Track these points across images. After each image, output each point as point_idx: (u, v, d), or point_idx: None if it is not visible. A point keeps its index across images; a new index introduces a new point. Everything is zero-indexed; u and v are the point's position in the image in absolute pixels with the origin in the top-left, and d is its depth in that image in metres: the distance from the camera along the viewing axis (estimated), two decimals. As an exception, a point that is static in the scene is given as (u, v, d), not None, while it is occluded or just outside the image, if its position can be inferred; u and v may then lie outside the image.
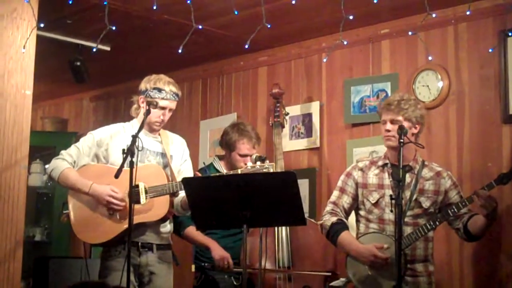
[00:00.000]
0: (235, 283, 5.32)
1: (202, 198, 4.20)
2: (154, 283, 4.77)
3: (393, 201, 4.20)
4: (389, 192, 4.49)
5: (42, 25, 5.25)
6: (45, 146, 8.25)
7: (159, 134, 4.90)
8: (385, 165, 4.63)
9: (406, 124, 4.48)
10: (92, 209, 4.71)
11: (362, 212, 4.67)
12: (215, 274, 5.34)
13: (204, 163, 4.92)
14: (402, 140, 4.27)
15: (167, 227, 4.89)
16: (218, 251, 5.23)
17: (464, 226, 4.51)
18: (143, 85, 4.82)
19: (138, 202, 4.59)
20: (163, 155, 4.87)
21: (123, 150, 4.41)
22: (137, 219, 4.47)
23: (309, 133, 6.38)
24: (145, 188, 4.61)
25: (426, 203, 4.53)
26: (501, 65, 5.27)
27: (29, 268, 6.76)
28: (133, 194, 4.41)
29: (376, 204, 4.57)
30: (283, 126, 5.99)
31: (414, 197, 4.52)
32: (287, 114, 6.07)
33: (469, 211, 4.53)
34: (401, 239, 4.14)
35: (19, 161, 5.00)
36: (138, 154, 4.37)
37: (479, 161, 5.34)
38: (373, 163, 4.71)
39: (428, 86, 5.65)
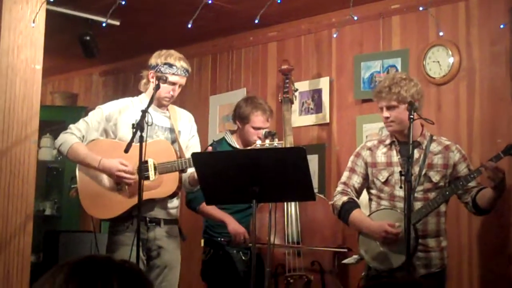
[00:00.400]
0: (243, 258, 5.35)
1: (212, 174, 4.21)
2: (162, 257, 4.80)
3: (403, 178, 4.23)
4: (398, 169, 4.49)
5: (51, -1, 5.25)
6: (54, 120, 8.26)
7: (167, 110, 4.91)
8: (392, 142, 4.63)
9: (402, 106, 4.48)
10: (101, 184, 4.73)
11: (373, 191, 4.68)
12: (224, 248, 5.36)
13: (214, 140, 4.91)
14: (412, 116, 4.26)
15: (174, 202, 4.90)
16: (234, 226, 5.26)
17: (473, 199, 4.50)
18: (153, 60, 4.81)
19: (147, 178, 4.61)
20: (172, 130, 4.87)
21: (133, 124, 4.42)
22: (146, 195, 4.49)
23: (318, 108, 6.37)
24: (154, 165, 4.63)
25: (435, 177, 4.52)
26: (512, 42, 5.25)
27: (39, 242, 6.81)
28: (142, 170, 4.43)
29: (386, 182, 4.58)
30: (292, 102, 5.97)
31: (424, 172, 4.52)
32: (297, 90, 6.05)
33: (478, 185, 4.53)
34: (410, 214, 4.13)
35: (29, 136, 5.02)
36: (147, 129, 4.37)
37: (488, 137, 5.33)
38: (381, 142, 4.71)
39: (438, 62, 5.62)
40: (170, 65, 4.76)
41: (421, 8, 5.41)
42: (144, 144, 4.30)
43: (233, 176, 4.13)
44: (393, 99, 4.50)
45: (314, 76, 6.45)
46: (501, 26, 5.24)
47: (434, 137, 4.67)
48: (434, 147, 4.61)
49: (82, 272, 1.73)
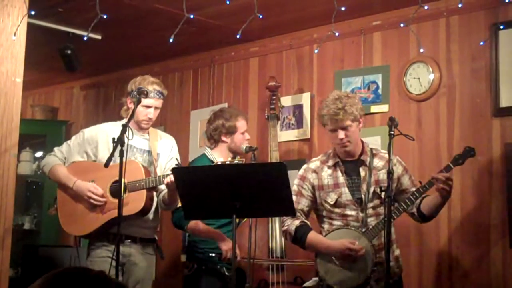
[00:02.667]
0: (226, 273, 5.32)
1: (192, 188, 4.20)
2: (135, 273, 4.98)
3: (363, 196, 4.36)
4: (345, 190, 4.53)
5: (33, 12, 5.24)
6: (35, 134, 8.23)
7: (148, 133, 5.10)
8: (336, 163, 4.63)
9: (354, 124, 4.52)
10: (77, 203, 4.97)
11: (323, 212, 4.66)
12: (207, 264, 5.35)
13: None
14: (392, 132, 4.25)
15: (150, 222, 5.05)
16: (226, 243, 5.25)
17: (418, 209, 4.56)
18: (129, 87, 5.06)
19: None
20: (149, 152, 5.05)
21: (113, 139, 4.51)
22: (116, 213, 4.57)
23: (299, 124, 6.38)
24: (124, 184, 4.69)
25: (383, 193, 4.52)
26: (492, 58, 5.28)
27: (18, 256, 6.75)
28: (115, 189, 4.76)
29: (335, 204, 4.57)
30: (278, 119, 6.03)
31: (372, 189, 4.55)
32: (283, 107, 6.11)
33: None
34: (390, 229, 4.12)
35: (9, 149, 5.00)
36: (128, 145, 4.46)
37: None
38: (324, 162, 4.69)
39: (419, 78, 5.65)
40: (145, 92, 4.94)
41: (402, 25, 5.44)
42: (124, 159, 4.38)
43: (214, 191, 4.11)
44: (348, 120, 4.51)
45: (295, 92, 6.47)
46: (481, 43, 5.27)
47: (374, 151, 4.70)
48: (377, 162, 4.63)
49: (59, 283, 1.74)
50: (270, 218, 5.38)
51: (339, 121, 4.50)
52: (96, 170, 4.89)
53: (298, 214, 4.63)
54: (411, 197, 4.46)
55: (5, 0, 5.03)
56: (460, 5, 4.85)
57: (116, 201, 4.62)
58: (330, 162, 4.65)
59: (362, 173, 4.58)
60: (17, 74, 5.07)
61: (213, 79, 7.20)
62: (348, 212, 4.53)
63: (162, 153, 5.10)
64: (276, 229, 5.40)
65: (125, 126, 4.47)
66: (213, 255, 5.32)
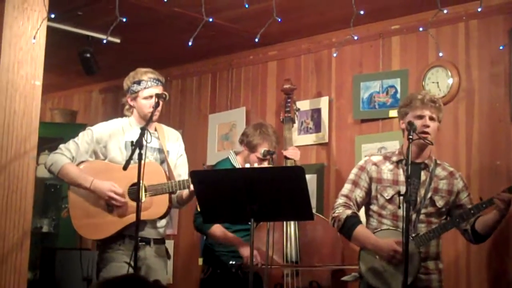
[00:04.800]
0: (242, 277, 5.33)
1: (210, 192, 4.20)
2: (150, 277, 4.77)
3: (401, 198, 4.22)
4: (404, 188, 4.42)
5: (52, 16, 5.27)
6: (54, 137, 8.25)
7: (155, 130, 4.95)
8: (400, 161, 4.60)
9: (437, 125, 4.54)
10: (92, 205, 4.78)
11: (374, 207, 4.63)
12: (223, 267, 5.36)
13: (203, 164, 4.88)
14: (411, 137, 4.25)
15: (162, 221, 4.95)
16: (246, 249, 5.23)
17: (472, 227, 4.52)
18: (124, 85, 4.94)
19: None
20: (161, 150, 4.92)
21: (131, 142, 4.52)
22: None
23: (318, 128, 6.38)
24: (145, 186, 4.64)
25: (440, 202, 4.52)
26: (511, 63, 5.26)
27: (36, 259, 6.79)
28: (134, 191, 4.57)
29: (390, 200, 4.53)
30: (293, 122, 5.97)
31: (429, 195, 4.51)
32: (298, 109, 6.04)
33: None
34: (408, 236, 4.11)
35: (28, 152, 5.01)
36: (146, 148, 4.39)
37: (487, 159, 5.34)
38: (387, 158, 4.67)
39: (438, 83, 5.63)
40: (138, 82, 4.85)
41: (421, 29, 5.43)
42: (143, 162, 4.33)
43: (232, 194, 4.11)
44: (439, 114, 4.53)
45: (313, 96, 6.47)
46: (500, 48, 5.26)
47: (438, 162, 4.67)
48: (440, 171, 4.61)
49: None
50: (285, 223, 5.38)
51: (433, 109, 4.51)
52: (111, 171, 4.74)
53: (351, 203, 4.60)
54: (469, 212, 4.42)
55: (25, 3, 5.06)
56: (479, 9, 4.83)
57: (135, 204, 4.54)
58: (394, 158, 4.63)
59: (423, 177, 4.54)
60: (36, 77, 5.09)
61: (231, 83, 7.21)
62: (400, 212, 4.43)
63: (171, 150, 4.99)
64: (291, 234, 5.41)
65: (143, 129, 4.40)
66: (233, 263, 5.31)
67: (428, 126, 4.48)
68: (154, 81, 4.88)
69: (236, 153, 5.60)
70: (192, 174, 4.28)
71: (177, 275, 7.16)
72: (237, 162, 5.51)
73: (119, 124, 4.96)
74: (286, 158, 5.63)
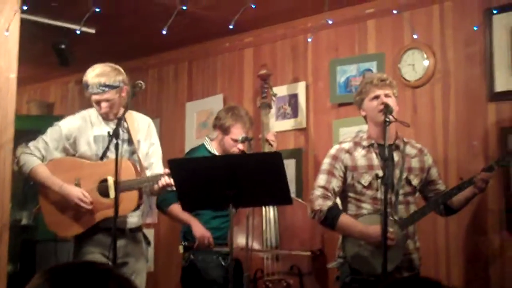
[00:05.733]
0: (223, 263, 5.35)
1: (188, 179, 4.20)
2: (129, 264, 4.85)
3: (379, 181, 4.26)
4: (380, 172, 4.46)
5: (25, 8, 5.23)
6: (31, 129, 8.19)
7: (125, 120, 4.81)
8: (371, 145, 4.60)
9: (395, 100, 4.55)
10: (63, 201, 4.76)
11: (351, 194, 4.61)
12: (202, 254, 5.39)
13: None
14: (388, 119, 4.27)
15: (136, 212, 4.91)
16: (198, 229, 5.29)
17: (444, 202, 4.57)
18: (83, 80, 4.83)
19: (107, 196, 4.67)
20: (130, 141, 4.87)
21: (108, 133, 4.50)
22: (107, 213, 4.59)
23: (295, 113, 6.39)
24: (114, 183, 4.58)
25: (415, 181, 4.56)
26: (486, 43, 5.29)
27: (16, 252, 6.77)
28: (102, 188, 4.63)
29: (369, 186, 4.52)
30: (270, 107, 5.98)
31: (404, 175, 4.53)
32: (275, 95, 6.06)
33: (446, 187, 4.65)
34: (387, 217, 4.16)
35: (4, 145, 4.99)
36: (117, 143, 4.38)
37: (464, 139, 5.37)
38: (357, 144, 4.65)
39: (413, 65, 5.66)
40: (87, 85, 4.78)
41: (395, 12, 5.44)
42: (113, 158, 4.34)
43: (210, 181, 4.13)
44: (392, 90, 4.57)
45: (290, 81, 6.47)
46: (475, 28, 5.29)
47: (405, 140, 4.70)
48: (409, 150, 4.64)
49: (63, 279, 1.69)
50: (264, 208, 5.39)
51: (386, 87, 4.54)
52: (80, 168, 4.74)
53: (329, 194, 4.57)
54: (451, 192, 4.46)
55: (-4, -4, 5.04)
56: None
57: (107, 201, 4.62)
58: (365, 143, 4.61)
59: (396, 158, 4.55)
60: (10, 70, 5.06)
61: (208, 71, 7.20)
62: (379, 195, 4.45)
63: (142, 139, 4.93)
64: (271, 219, 5.43)
65: (120, 119, 4.44)
66: (186, 244, 5.34)
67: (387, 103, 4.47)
68: (100, 87, 4.74)
69: (211, 139, 5.62)
70: (170, 162, 4.28)
71: (158, 263, 7.16)
72: (213, 148, 5.54)
73: (87, 118, 4.90)
74: (267, 141, 5.65)
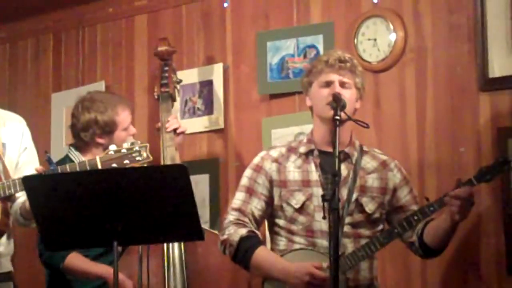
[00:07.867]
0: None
1: (52, 205, 4.09)
2: None
3: (325, 204, 4.16)
4: (318, 191, 4.43)
5: None
6: None
7: None
8: (310, 152, 4.58)
9: (355, 94, 4.52)
10: None
11: (280, 222, 4.60)
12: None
13: (46, 152, 4.84)
14: (338, 117, 4.20)
15: (6, 246, 4.85)
16: (121, 279, 5.21)
17: (420, 237, 4.52)
18: None
19: None
20: None
21: None
22: None
23: (209, 108, 6.40)
24: None
25: (369, 206, 4.53)
26: (477, 10, 5.29)
27: None
28: None
29: (301, 209, 4.51)
30: (174, 99, 5.95)
31: (354, 197, 4.51)
32: (180, 81, 6.01)
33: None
34: (339, 256, 4.09)
35: None
36: None
37: (447, 144, 5.39)
38: (292, 150, 4.65)
39: (375, 39, 5.68)
40: None
41: (349, -36, 5.45)
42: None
43: (85, 207, 4.03)
44: (353, 78, 4.53)
45: (202, 63, 6.48)
46: (462, -11, 5.32)
47: (365, 148, 4.69)
48: (367, 162, 4.63)
49: None
50: (165, 245, 5.35)
51: (342, 71, 4.50)
52: None
53: (246, 219, 4.58)
54: (411, 219, 4.41)
55: None
56: None
57: None
58: (302, 149, 4.60)
59: (344, 172, 4.50)
60: None
61: (83, 47, 7.19)
62: (317, 225, 4.44)
63: (10, 142, 4.92)
64: (175, 259, 5.41)
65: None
66: None
67: (338, 94, 4.41)
68: None
69: (77, 147, 5.51)
70: (25, 180, 4.17)
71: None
72: (82, 160, 5.41)
73: None
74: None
